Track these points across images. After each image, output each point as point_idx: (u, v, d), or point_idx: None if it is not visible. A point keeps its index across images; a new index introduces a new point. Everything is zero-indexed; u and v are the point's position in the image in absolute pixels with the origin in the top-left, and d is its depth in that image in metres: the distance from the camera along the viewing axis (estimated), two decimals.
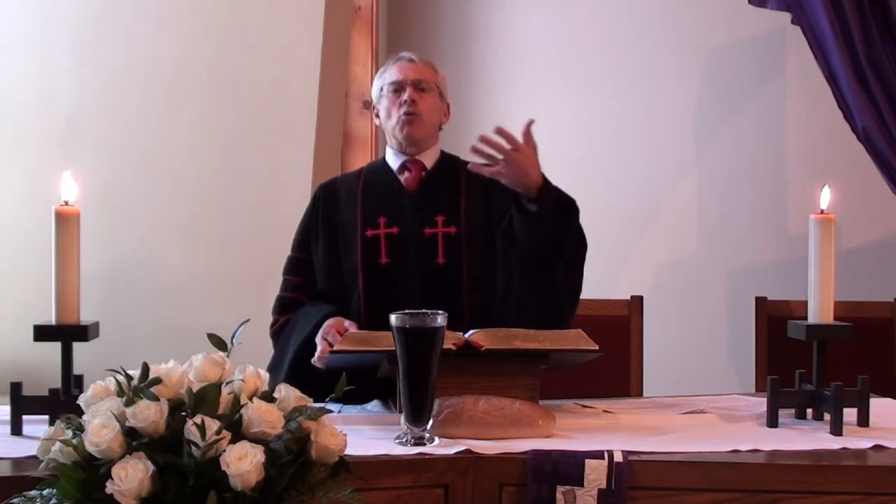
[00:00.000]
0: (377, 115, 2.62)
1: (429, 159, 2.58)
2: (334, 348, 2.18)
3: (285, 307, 2.57)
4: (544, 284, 2.39)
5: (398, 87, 2.55)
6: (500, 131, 2.29)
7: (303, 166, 3.58)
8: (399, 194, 2.54)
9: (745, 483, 1.83)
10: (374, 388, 2.33)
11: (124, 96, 3.58)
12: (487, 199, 2.54)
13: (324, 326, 2.34)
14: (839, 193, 2.32)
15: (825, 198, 2.23)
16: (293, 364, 2.39)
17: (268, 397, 1.64)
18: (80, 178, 2.09)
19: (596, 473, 1.80)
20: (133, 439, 1.54)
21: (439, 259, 2.47)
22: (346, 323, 2.34)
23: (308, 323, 2.40)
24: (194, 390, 1.59)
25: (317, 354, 2.30)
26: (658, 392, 2.79)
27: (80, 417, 1.60)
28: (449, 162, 2.62)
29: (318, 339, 2.32)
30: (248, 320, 1.74)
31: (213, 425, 1.53)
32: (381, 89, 2.59)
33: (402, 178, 2.56)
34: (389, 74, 2.58)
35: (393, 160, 2.59)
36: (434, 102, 2.57)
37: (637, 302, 3.19)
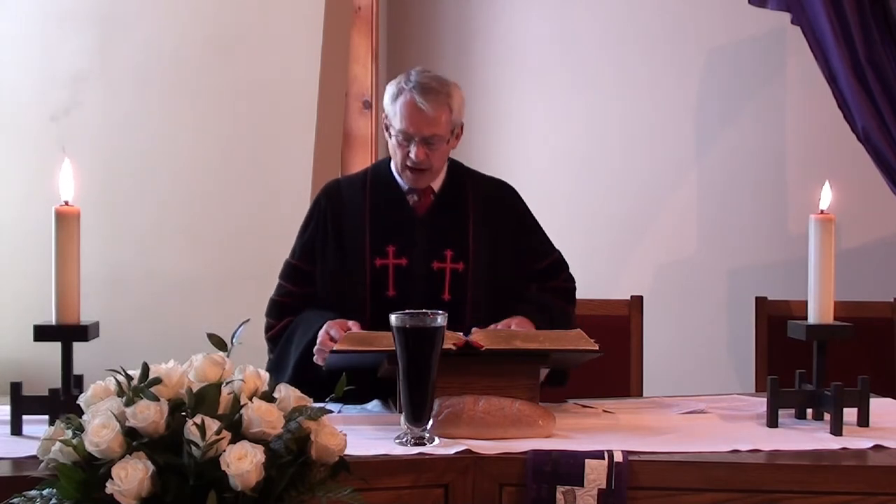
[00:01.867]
0: (386, 129, 2.50)
1: (437, 183, 2.53)
2: (335, 348, 2.18)
3: (282, 312, 2.53)
4: None
5: (407, 139, 2.43)
6: None
7: (303, 166, 3.58)
8: (409, 220, 2.50)
9: (745, 483, 1.83)
10: (374, 388, 2.32)
11: (124, 96, 3.58)
12: (495, 228, 2.53)
13: (327, 323, 2.32)
14: (839, 193, 2.32)
15: (825, 195, 2.23)
16: (297, 368, 2.38)
17: (268, 397, 1.64)
18: (79, 177, 2.09)
19: (596, 473, 1.80)
20: (133, 439, 1.54)
21: (445, 295, 2.46)
22: (350, 323, 2.33)
23: (310, 327, 2.38)
24: (194, 390, 1.59)
25: (316, 346, 2.29)
26: (658, 392, 2.79)
27: (80, 417, 1.60)
28: (455, 177, 2.56)
29: (320, 333, 2.31)
30: (248, 320, 1.74)
31: (213, 425, 1.53)
32: (392, 127, 2.45)
33: (411, 199, 2.51)
34: (401, 118, 2.41)
35: (400, 179, 2.51)
36: (443, 151, 2.47)
37: (637, 302, 3.19)
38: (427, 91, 2.41)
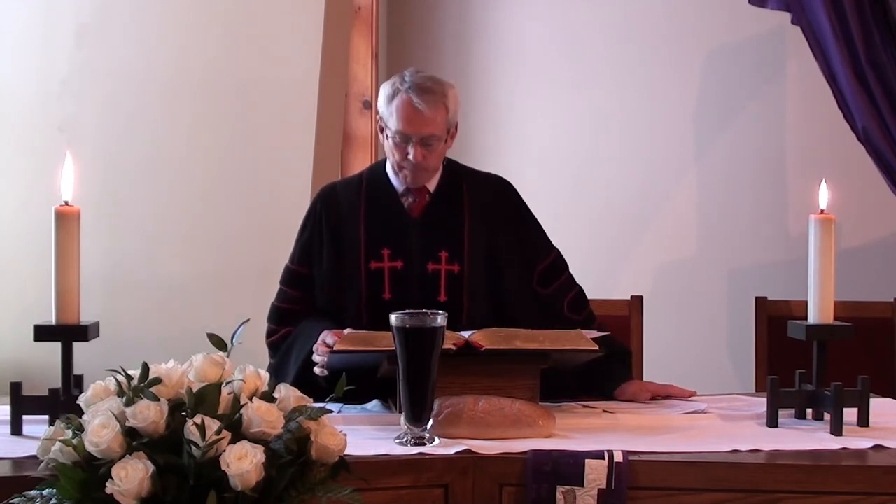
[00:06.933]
0: (381, 130, 2.50)
1: (432, 183, 2.52)
2: (334, 348, 2.18)
3: (283, 318, 2.53)
4: None
5: (404, 139, 2.42)
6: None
7: (303, 166, 3.58)
8: (403, 222, 2.49)
9: (745, 483, 1.83)
10: (374, 388, 2.32)
11: (124, 96, 3.58)
12: (492, 225, 2.53)
13: (323, 333, 2.31)
14: (839, 193, 2.32)
15: (823, 194, 2.23)
16: (296, 381, 2.36)
17: (268, 397, 1.64)
18: (80, 177, 2.09)
19: (596, 473, 1.80)
20: (133, 439, 1.54)
21: (441, 297, 2.46)
22: (346, 331, 2.32)
23: (308, 340, 2.37)
24: (194, 390, 1.59)
25: (315, 357, 2.29)
26: None
27: (80, 417, 1.60)
28: (451, 176, 2.55)
29: (315, 347, 2.31)
30: (248, 320, 1.74)
31: (213, 425, 1.53)
32: (388, 128, 2.44)
33: (406, 202, 2.51)
34: (398, 119, 2.40)
35: (395, 181, 2.51)
36: (440, 150, 2.46)
37: (637, 302, 3.19)
38: (423, 91, 2.40)
